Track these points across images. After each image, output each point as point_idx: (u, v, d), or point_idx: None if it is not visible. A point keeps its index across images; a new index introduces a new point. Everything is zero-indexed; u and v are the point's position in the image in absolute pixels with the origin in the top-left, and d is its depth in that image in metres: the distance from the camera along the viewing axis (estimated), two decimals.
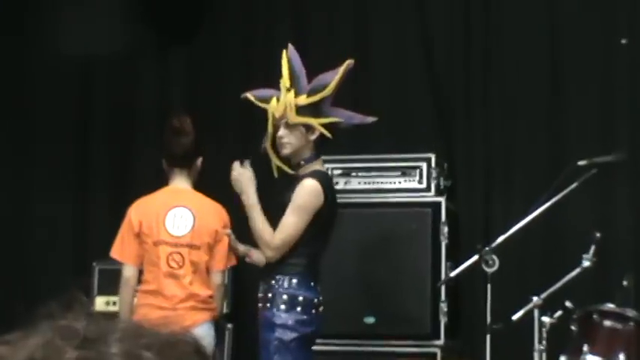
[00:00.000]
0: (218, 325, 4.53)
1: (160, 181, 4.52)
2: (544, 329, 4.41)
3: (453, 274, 4.69)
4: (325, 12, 5.95)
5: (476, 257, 4.47)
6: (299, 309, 4.02)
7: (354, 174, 5.33)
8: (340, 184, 5.21)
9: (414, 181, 5.26)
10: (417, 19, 5.71)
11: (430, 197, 5.21)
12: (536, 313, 4.42)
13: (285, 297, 4.04)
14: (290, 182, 4.19)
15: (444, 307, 5.10)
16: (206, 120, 5.43)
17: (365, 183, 5.32)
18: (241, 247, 4.31)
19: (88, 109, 6.24)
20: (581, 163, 4.62)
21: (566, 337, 4.40)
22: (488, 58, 5.66)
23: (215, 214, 4.33)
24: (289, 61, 4.19)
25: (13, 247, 6.13)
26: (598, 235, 4.53)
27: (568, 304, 4.42)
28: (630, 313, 4.39)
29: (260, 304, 4.12)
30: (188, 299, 4.24)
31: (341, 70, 4.15)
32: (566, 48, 5.55)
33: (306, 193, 4.08)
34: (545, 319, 4.41)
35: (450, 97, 5.64)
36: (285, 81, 4.16)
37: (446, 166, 5.39)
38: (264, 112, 4.30)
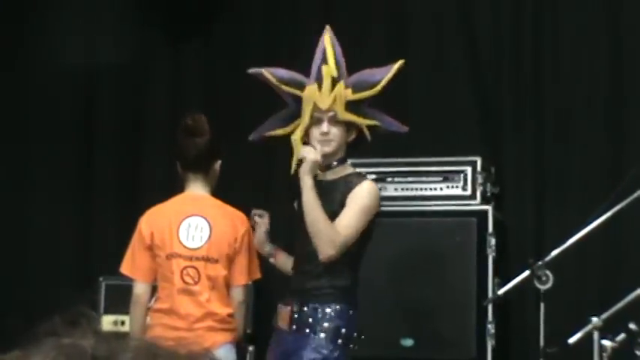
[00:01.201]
0: (239, 346, 4.52)
1: (175, 187, 4.53)
2: (605, 354, 4.39)
3: (501, 291, 4.71)
4: (358, 5, 5.99)
5: (527, 273, 4.50)
6: (340, 342, 4.05)
7: (389, 179, 5.36)
8: None
9: (457, 187, 5.32)
10: (460, 12, 5.77)
11: (475, 205, 5.23)
12: (595, 335, 4.42)
13: (326, 325, 4.05)
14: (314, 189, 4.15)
15: (491, 328, 5.13)
16: (224, 120, 5.45)
17: (402, 189, 5.36)
18: (267, 246, 4.29)
19: (95, 112, 6.36)
20: None
21: None
22: (541, 54, 5.70)
23: (235, 222, 4.32)
24: (333, 47, 4.15)
25: (12, 260, 6.21)
26: None
27: (632, 326, 4.40)
28: None
29: (294, 326, 4.08)
30: (205, 318, 4.23)
31: (394, 69, 4.14)
32: (627, 45, 5.58)
33: (370, 194, 4.08)
34: (606, 342, 4.39)
35: (498, 95, 5.73)
36: (331, 69, 4.11)
37: (493, 170, 5.42)
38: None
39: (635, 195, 4.62)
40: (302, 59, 4.42)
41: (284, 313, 4.12)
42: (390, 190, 5.35)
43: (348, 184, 4.10)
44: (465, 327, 5.06)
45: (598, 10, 5.67)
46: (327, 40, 4.15)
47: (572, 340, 4.39)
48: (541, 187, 5.63)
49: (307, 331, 4.04)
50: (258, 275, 4.38)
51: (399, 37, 5.83)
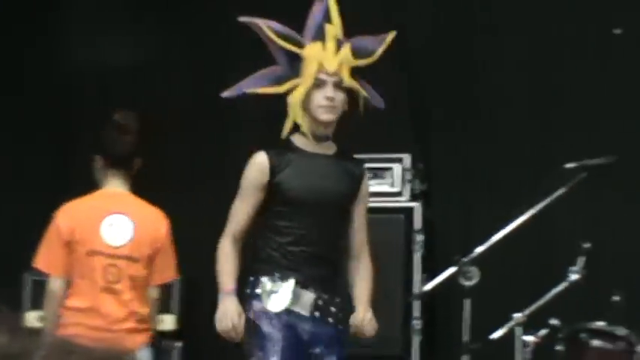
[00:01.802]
0: (157, 344, 4.55)
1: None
2: (527, 349, 4.52)
3: (427, 287, 4.77)
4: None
5: (453, 269, 4.58)
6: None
7: None
8: None
9: (385, 184, 5.38)
10: (388, 8, 5.80)
11: (403, 202, 5.31)
12: (518, 331, 4.53)
13: (341, 316, 4.01)
14: (310, 161, 3.94)
15: (416, 324, 5.22)
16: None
17: None
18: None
19: (24, 108, 6.32)
20: (568, 166, 4.74)
21: (551, 357, 4.52)
22: (470, 54, 5.80)
23: (157, 222, 4.36)
24: (337, 6, 3.95)
25: None
26: (587, 245, 4.66)
27: (553, 321, 4.54)
28: (621, 331, 4.55)
29: (317, 313, 3.94)
30: (127, 319, 4.26)
31: (387, 40, 3.99)
32: (553, 45, 5.70)
33: None
34: (529, 338, 4.52)
35: (427, 93, 5.78)
36: (336, 29, 3.87)
37: (421, 167, 5.48)
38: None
39: (559, 193, 4.76)
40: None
41: (306, 298, 3.91)
42: None
43: (356, 171, 4.00)
44: (391, 323, 5.10)
45: (522, 12, 5.75)
46: None
47: (495, 335, 4.50)
48: (468, 185, 5.71)
49: (330, 320, 3.94)
50: (175, 276, 4.43)
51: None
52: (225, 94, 4.00)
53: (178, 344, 5.73)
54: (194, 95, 6.10)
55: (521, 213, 4.74)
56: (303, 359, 3.90)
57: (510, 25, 5.79)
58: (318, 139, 3.90)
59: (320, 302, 3.89)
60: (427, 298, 5.08)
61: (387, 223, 5.24)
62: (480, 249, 4.64)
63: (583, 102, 5.64)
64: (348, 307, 4.00)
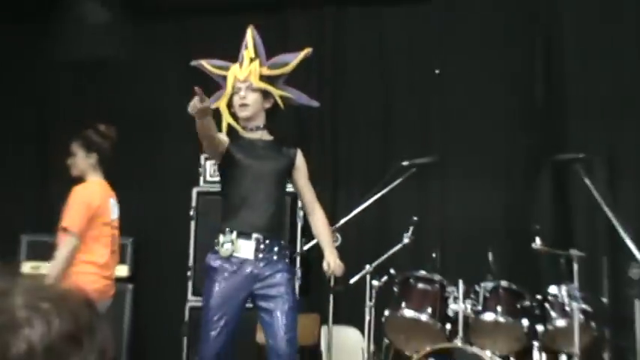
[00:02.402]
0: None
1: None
2: (374, 290, 4.90)
3: (306, 247, 5.07)
4: None
5: None
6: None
7: None
8: None
9: None
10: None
11: (290, 188, 5.06)
12: (368, 277, 4.94)
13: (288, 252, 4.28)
14: (252, 148, 4.19)
15: (298, 272, 5.69)
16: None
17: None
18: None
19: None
20: (404, 163, 5.16)
21: (389, 296, 4.93)
22: (327, 70, 6.22)
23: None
24: (254, 38, 4.31)
25: None
26: (415, 218, 5.11)
27: (392, 271, 4.98)
28: (436, 277, 4.98)
29: (275, 257, 4.12)
30: (114, 273, 4.78)
31: (301, 54, 4.30)
32: (395, 73, 6.28)
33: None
34: (375, 282, 4.91)
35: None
36: (250, 52, 4.25)
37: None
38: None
39: (397, 182, 5.17)
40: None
41: (248, 244, 4.07)
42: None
43: (289, 151, 4.30)
44: None
45: (373, 49, 6.17)
46: (250, 32, 4.36)
47: (352, 280, 4.90)
48: (336, 174, 6.23)
49: (275, 258, 4.09)
50: None
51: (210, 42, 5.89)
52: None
53: (130, 286, 6.05)
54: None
55: (371, 196, 5.11)
56: (247, 292, 4.03)
57: (363, 54, 6.12)
58: (250, 130, 4.24)
59: (262, 246, 4.04)
60: (306, 254, 5.27)
61: None
62: (343, 220, 4.95)
63: (414, 116, 6.15)
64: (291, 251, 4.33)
